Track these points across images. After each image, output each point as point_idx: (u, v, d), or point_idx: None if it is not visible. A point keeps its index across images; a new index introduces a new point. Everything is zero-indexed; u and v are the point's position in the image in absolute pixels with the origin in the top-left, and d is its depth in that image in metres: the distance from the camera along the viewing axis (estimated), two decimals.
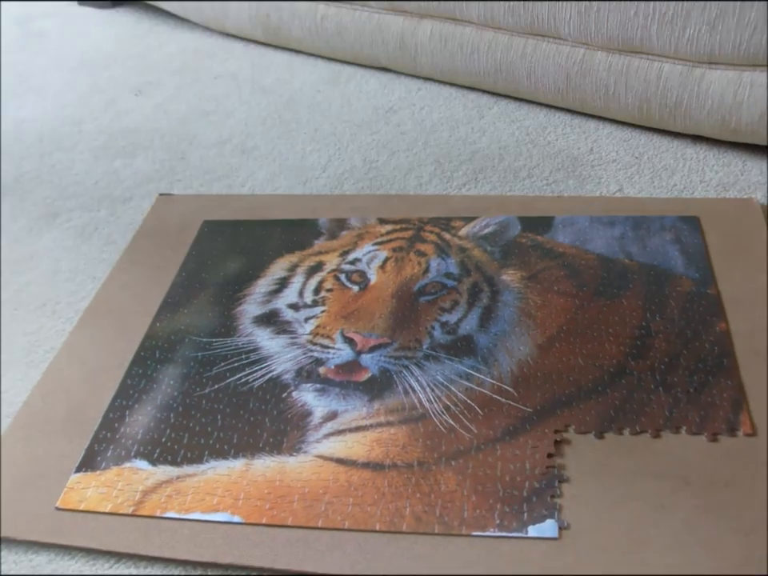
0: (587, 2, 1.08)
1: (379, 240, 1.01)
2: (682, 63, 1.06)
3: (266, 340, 0.89)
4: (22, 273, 1.07)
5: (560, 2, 1.11)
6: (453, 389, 0.80)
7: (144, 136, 1.36)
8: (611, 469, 0.71)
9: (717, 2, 0.98)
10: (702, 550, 0.64)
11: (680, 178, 1.08)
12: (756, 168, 1.07)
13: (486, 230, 1.00)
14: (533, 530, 0.67)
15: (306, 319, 0.91)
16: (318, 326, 0.89)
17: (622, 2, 1.05)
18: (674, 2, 1.01)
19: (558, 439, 0.74)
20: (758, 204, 0.99)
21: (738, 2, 0.97)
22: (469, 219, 1.02)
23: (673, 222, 0.98)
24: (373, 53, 1.40)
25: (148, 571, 0.69)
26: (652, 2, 1.03)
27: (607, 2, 1.07)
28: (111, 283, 1.02)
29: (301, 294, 0.94)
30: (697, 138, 1.14)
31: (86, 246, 1.10)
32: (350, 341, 0.86)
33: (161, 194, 1.18)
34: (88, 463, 0.78)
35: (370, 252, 0.99)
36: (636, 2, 1.04)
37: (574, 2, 1.10)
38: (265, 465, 0.75)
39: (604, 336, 0.84)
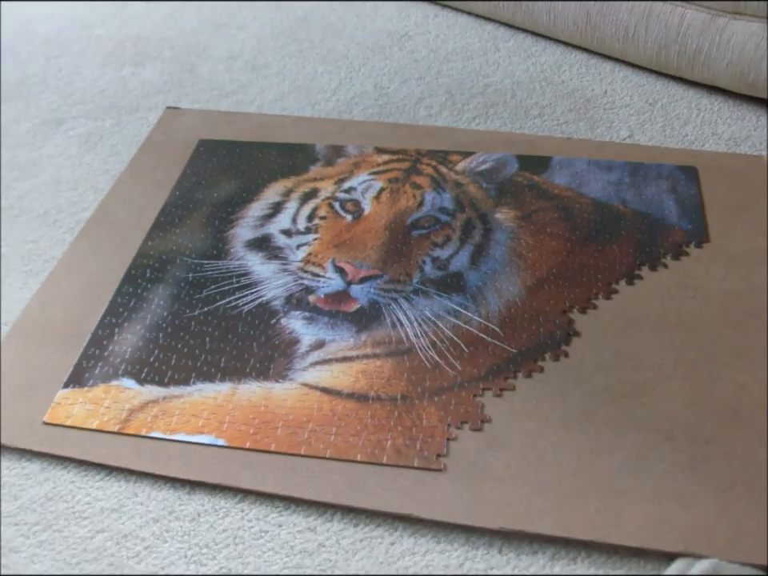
0: None
1: (375, 170, 1.00)
2: (706, 11, 1.05)
3: (258, 265, 0.90)
4: (25, 179, 1.06)
5: None
6: (440, 325, 0.81)
7: (154, 45, 1.33)
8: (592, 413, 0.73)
9: None
10: (679, 504, 0.66)
11: (692, 128, 1.07)
12: None
13: (483, 166, 1.00)
14: None
15: (298, 246, 0.91)
16: (309, 254, 0.89)
17: None
18: None
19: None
20: (766, 162, 0.98)
21: None
22: (466, 154, 1.02)
23: (670, 171, 0.98)
24: None
25: (137, 486, 0.71)
26: None
27: None
28: (113, 196, 1.01)
29: (294, 220, 0.94)
30: (713, 89, 1.12)
31: (90, 156, 1.10)
32: (340, 270, 0.86)
33: (168, 107, 1.17)
34: (76, 379, 0.79)
35: (365, 181, 0.98)
36: None
37: None
38: (251, 390, 0.77)
39: (592, 281, 0.85)
